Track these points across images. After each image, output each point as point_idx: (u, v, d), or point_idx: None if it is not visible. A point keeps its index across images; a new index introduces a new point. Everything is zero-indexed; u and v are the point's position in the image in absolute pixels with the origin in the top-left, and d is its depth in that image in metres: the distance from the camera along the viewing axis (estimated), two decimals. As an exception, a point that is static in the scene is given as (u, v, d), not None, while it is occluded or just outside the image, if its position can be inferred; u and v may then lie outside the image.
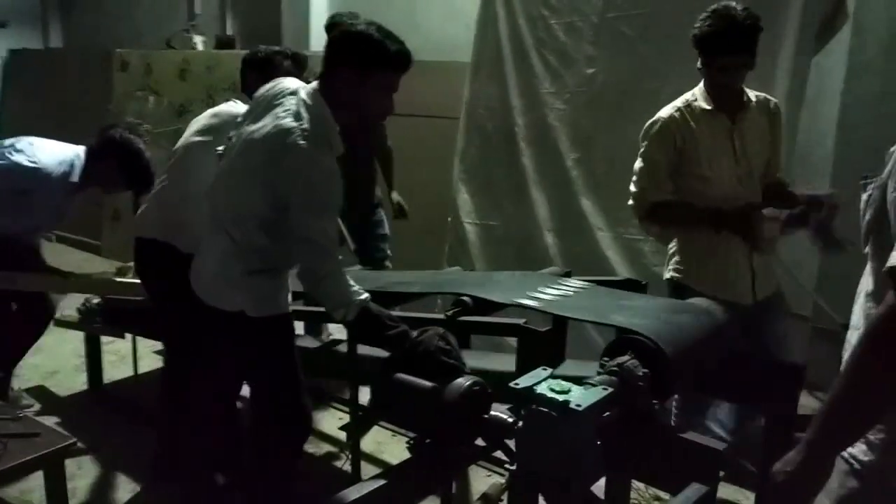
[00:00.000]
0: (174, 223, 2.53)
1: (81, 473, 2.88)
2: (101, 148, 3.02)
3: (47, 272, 3.23)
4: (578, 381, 1.59)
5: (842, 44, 3.24)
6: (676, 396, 2.71)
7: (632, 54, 3.31)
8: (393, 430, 3.09)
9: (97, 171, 3.03)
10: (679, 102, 2.55)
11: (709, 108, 2.49)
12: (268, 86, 2.08)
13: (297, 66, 2.61)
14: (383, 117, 2.05)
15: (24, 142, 2.97)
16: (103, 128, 3.12)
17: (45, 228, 3.28)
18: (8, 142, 2.98)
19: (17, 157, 2.89)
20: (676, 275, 2.63)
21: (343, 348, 2.66)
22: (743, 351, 2.15)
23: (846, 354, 1.42)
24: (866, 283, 1.39)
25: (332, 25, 2.32)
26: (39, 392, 3.60)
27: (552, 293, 2.21)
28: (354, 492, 1.56)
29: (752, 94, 2.56)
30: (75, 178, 3.00)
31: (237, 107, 2.45)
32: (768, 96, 2.60)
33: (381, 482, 1.60)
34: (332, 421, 3.31)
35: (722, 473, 1.71)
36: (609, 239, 3.40)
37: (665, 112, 2.55)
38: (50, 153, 2.97)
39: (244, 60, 2.68)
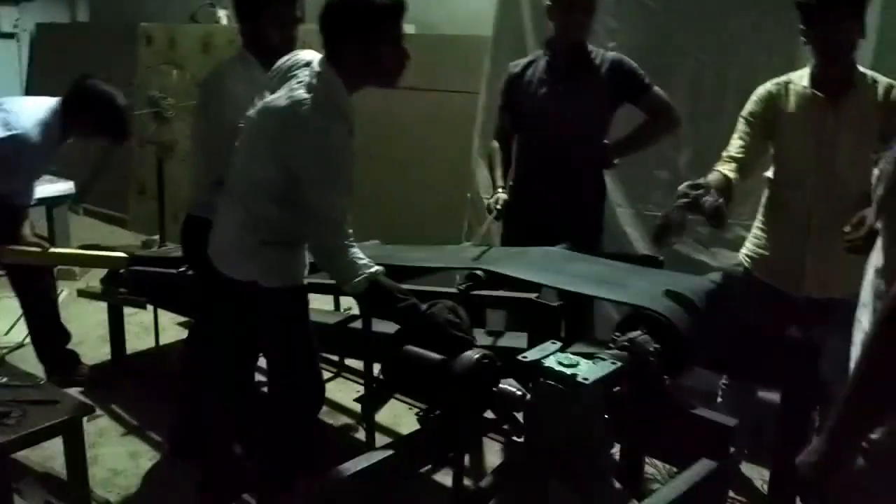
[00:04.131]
0: None
1: (103, 441, 2.95)
2: (76, 99, 3.04)
3: (27, 244, 3.26)
4: (589, 355, 1.59)
5: (871, 20, 3.15)
6: (724, 379, 2.69)
7: (653, 27, 3.26)
8: (409, 403, 3.11)
9: (75, 122, 3.05)
10: (783, 77, 2.39)
11: (805, 84, 2.32)
12: (285, 58, 2.09)
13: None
14: (402, 70, 1.97)
15: None
16: (77, 79, 3.11)
17: (28, 188, 3.26)
18: None
19: None
20: (746, 264, 2.53)
21: (358, 325, 2.67)
22: (759, 328, 2.13)
23: (857, 333, 1.40)
24: (876, 258, 1.36)
25: None
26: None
27: (566, 269, 2.21)
28: (363, 461, 1.58)
29: (871, 77, 2.29)
30: (55, 133, 3.02)
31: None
32: (895, 83, 2.27)
33: (389, 452, 1.62)
34: (348, 393, 3.34)
35: (732, 450, 1.70)
36: (628, 215, 3.38)
37: (766, 84, 2.41)
38: (26, 115, 2.96)
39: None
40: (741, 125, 2.43)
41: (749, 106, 2.43)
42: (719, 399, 2.71)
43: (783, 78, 2.40)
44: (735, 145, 2.42)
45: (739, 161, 2.37)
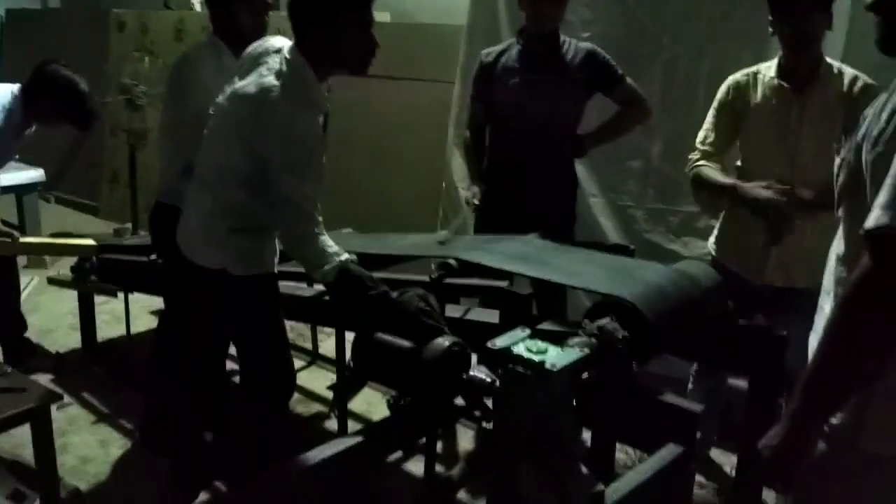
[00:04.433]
0: None
1: (73, 430, 2.92)
2: (37, 86, 3.01)
3: None
4: (559, 342, 1.60)
5: (841, 10, 3.19)
6: (694, 366, 2.72)
7: (627, 19, 3.28)
8: (383, 391, 3.12)
9: (37, 109, 3.02)
10: (752, 68, 2.42)
11: (773, 74, 2.34)
12: (255, 44, 2.07)
13: None
14: (370, 57, 1.95)
15: None
16: (38, 65, 3.07)
17: None
18: None
19: None
20: (713, 252, 2.57)
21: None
22: (728, 317, 2.15)
23: (819, 320, 1.42)
24: (837, 246, 1.38)
25: None
26: (34, 350, 3.62)
27: (539, 258, 2.21)
28: (331, 447, 1.58)
29: (837, 68, 2.30)
30: (18, 119, 2.99)
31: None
32: (859, 74, 2.28)
33: (358, 439, 1.62)
34: (322, 381, 3.34)
35: (699, 435, 1.73)
36: (602, 205, 3.40)
37: (736, 74, 2.43)
38: None
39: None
40: (711, 115, 2.47)
41: (719, 96, 2.46)
42: (690, 386, 2.74)
43: (752, 68, 2.42)
44: (709, 137, 2.46)
45: (714, 154, 2.42)
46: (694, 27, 3.14)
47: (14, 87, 3.02)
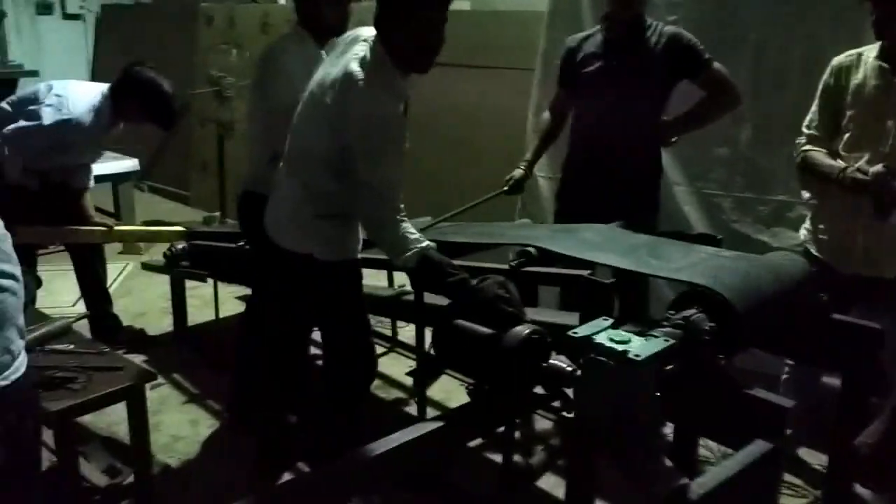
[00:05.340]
0: None
1: (165, 409, 3.05)
2: (123, 86, 3.13)
3: (92, 224, 3.41)
4: (641, 332, 1.57)
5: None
6: (788, 361, 2.64)
7: (714, 0, 3.17)
8: (460, 379, 3.13)
9: (122, 108, 3.14)
10: (857, 49, 2.35)
11: (875, 55, 2.27)
12: (348, 33, 2.13)
13: None
14: (430, 56, 1.93)
15: (52, 95, 3.04)
16: (126, 66, 3.20)
17: (85, 172, 3.42)
18: (41, 91, 3.06)
19: (47, 114, 2.96)
20: (804, 238, 2.51)
21: (412, 297, 2.69)
22: (821, 311, 2.07)
23: None
24: None
25: None
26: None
27: (619, 247, 2.17)
28: (412, 431, 1.60)
29: None
30: (105, 118, 3.12)
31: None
32: None
33: (439, 424, 1.63)
34: (401, 368, 3.37)
35: (789, 432, 1.66)
36: (686, 193, 3.31)
37: (840, 56, 2.37)
38: (81, 101, 3.05)
39: None
40: (817, 98, 2.42)
41: (823, 79, 2.40)
42: (785, 376, 2.66)
43: (857, 50, 2.35)
44: (814, 121, 2.40)
45: (821, 138, 2.36)
46: (785, 8, 3.02)
47: (103, 87, 3.17)
